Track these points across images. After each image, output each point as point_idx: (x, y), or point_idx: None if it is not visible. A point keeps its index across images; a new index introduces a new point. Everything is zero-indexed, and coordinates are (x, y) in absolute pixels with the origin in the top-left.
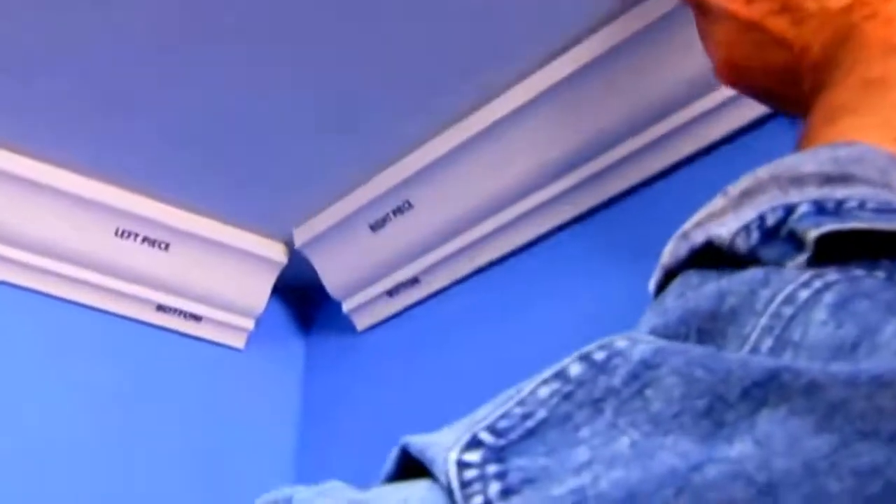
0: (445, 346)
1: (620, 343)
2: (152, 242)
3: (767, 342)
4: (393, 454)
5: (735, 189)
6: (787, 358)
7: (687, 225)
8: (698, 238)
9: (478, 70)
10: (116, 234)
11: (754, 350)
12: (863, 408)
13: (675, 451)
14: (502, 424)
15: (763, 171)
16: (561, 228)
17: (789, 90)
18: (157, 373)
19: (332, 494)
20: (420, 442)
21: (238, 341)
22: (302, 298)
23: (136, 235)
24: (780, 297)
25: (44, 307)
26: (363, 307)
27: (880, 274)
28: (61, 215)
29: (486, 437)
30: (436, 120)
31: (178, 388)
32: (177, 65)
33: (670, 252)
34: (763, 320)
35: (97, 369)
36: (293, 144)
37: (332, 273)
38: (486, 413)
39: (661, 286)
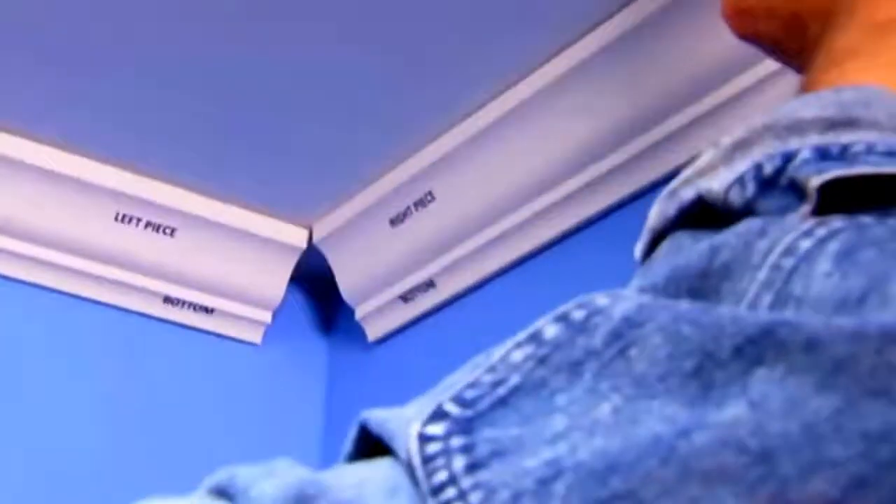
0: (465, 355)
1: (601, 300)
2: (157, 228)
3: (766, 298)
4: (351, 432)
5: (727, 140)
6: (788, 314)
7: (675, 183)
8: (687, 195)
9: (502, 52)
10: (117, 219)
11: (752, 307)
12: (872, 364)
13: (660, 417)
14: (470, 394)
15: (758, 120)
16: (595, 220)
17: (795, 40)
18: (165, 371)
19: (280, 474)
20: (380, 417)
21: (254, 336)
22: (323, 288)
23: (139, 220)
24: (779, 248)
25: (38, 299)
26: (376, 314)
27: (892, 222)
28: (54, 199)
29: (451, 408)
30: (461, 106)
31: (188, 387)
32: (185, 34)
33: (657, 213)
34: (761, 274)
35: (99, 367)
36: (314, 125)
37: (347, 273)
38: (453, 382)
39: (649, 251)
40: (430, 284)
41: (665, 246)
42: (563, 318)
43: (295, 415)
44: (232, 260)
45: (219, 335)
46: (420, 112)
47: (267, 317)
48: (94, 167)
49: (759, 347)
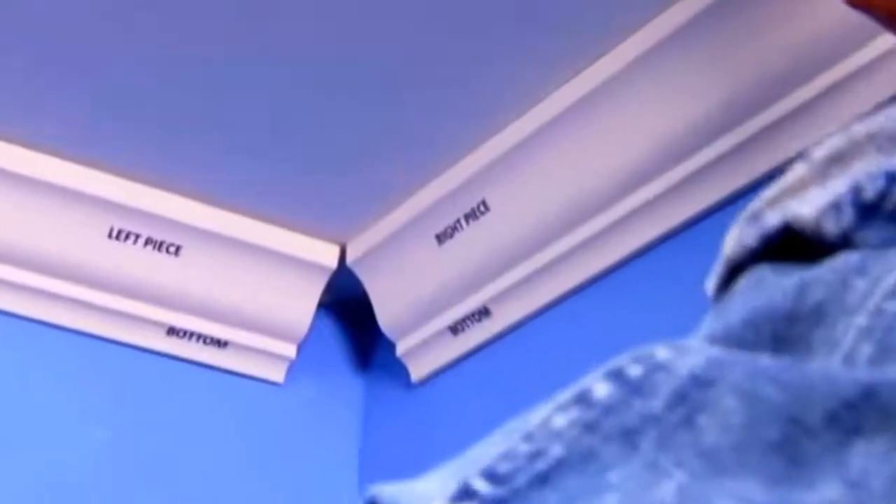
0: (527, 401)
1: (662, 353)
2: (158, 245)
3: (866, 350)
4: None
5: (820, 152)
6: (893, 371)
7: (757, 203)
8: (772, 220)
9: (565, 34)
10: (111, 235)
11: (848, 360)
12: None
13: (735, 498)
14: (503, 467)
15: (858, 128)
16: (680, 231)
17: None
18: (171, 415)
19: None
20: (393, 493)
21: (276, 373)
22: (357, 318)
23: (137, 237)
24: (881, 289)
25: (13, 329)
26: (420, 349)
27: None
28: (38, 211)
29: (480, 485)
30: (518, 99)
31: (197, 436)
32: (194, 24)
33: (735, 240)
34: (859, 319)
35: (89, 412)
36: (345, 126)
37: (385, 300)
38: (483, 452)
39: (724, 286)
40: (484, 312)
41: (744, 281)
42: (616, 376)
43: (323, 469)
44: (248, 284)
45: (233, 373)
46: (471, 109)
47: (291, 351)
48: (83, 173)
49: (857, 413)
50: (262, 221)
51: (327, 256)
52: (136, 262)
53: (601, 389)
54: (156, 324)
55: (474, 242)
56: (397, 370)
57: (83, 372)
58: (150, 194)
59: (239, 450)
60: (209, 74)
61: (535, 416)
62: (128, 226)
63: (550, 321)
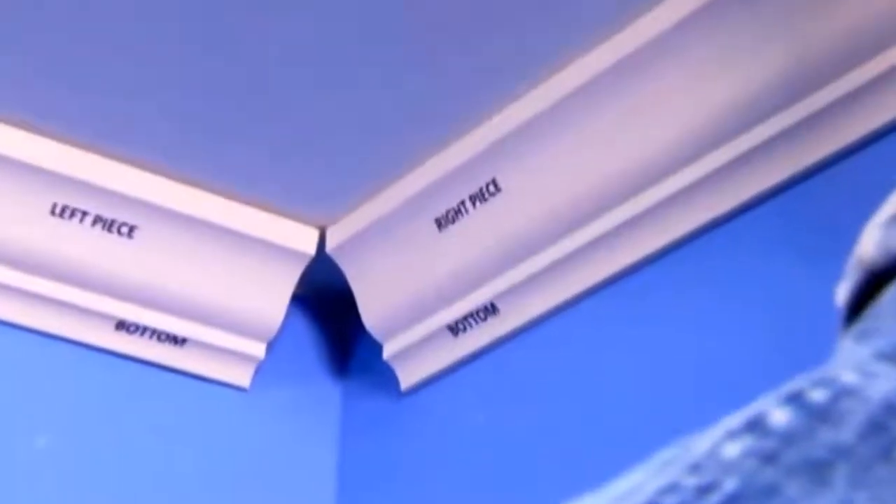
0: (536, 414)
1: (848, 377)
2: (108, 225)
3: None
4: None
5: None
6: None
7: None
8: None
9: None
10: (53, 212)
11: None
12: None
13: None
14: (669, 502)
15: None
16: (723, 223)
17: None
18: (118, 424)
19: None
20: None
21: (241, 377)
22: (337, 314)
23: (84, 214)
24: None
25: None
26: (412, 352)
27: None
28: None
29: None
30: (536, 65)
31: (149, 448)
32: None
33: (878, 244)
34: None
35: (26, 418)
36: (327, 93)
37: (371, 294)
38: (638, 485)
39: (863, 297)
40: (490, 310)
41: (892, 294)
42: (797, 401)
43: (294, 493)
44: (211, 272)
45: (192, 375)
46: (480, 74)
47: (259, 350)
48: (20, 138)
49: None
50: (229, 199)
51: (303, 242)
52: (81, 243)
53: (779, 416)
54: (103, 316)
55: (481, 228)
56: (383, 376)
57: (17, 371)
58: (99, 165)
59: (197, 466)
60: (173, 29)
61: (698, 445)
62: (73, 201)
63: (568, 321)
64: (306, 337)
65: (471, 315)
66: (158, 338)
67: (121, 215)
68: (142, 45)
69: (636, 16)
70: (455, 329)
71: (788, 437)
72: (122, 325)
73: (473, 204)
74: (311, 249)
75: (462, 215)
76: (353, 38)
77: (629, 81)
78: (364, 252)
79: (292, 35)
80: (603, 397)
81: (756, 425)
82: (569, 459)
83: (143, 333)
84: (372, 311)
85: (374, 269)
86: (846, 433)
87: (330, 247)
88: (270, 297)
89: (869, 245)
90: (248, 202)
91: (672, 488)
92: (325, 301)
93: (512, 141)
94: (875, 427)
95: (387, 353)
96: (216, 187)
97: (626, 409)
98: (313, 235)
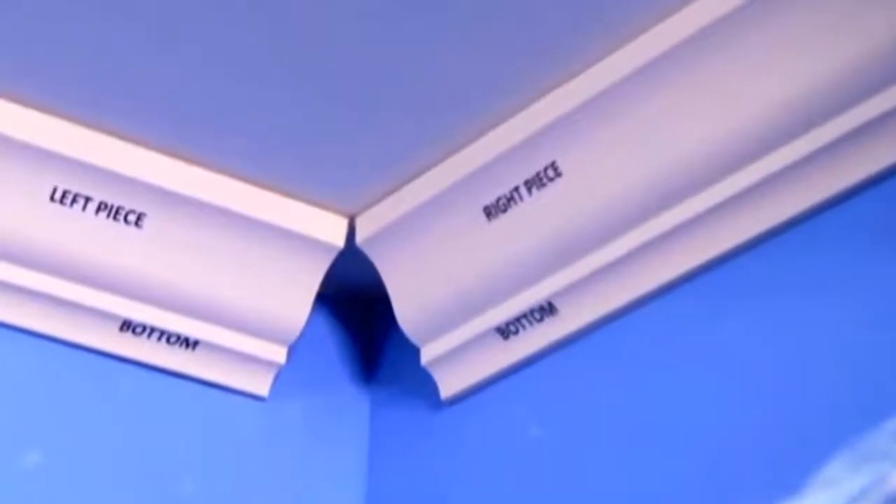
0: (596, 428)
1: None
2: (114, 212)
3: None
4: None
5: None
6: None
7: None
8: None
9: None
10: (53, 197)
11: None
12: None
13: None
14: None
15: None
16: (819, 212)
17: None
18: (121, 435)
19: None
20: None
21: (259, 385)
22: (367, 314)
23: (88, 200)
24: None
25: None
26: (454, 356)
27: None
28: None
29: None
30: (604, 35)
31: (156, 462)
32: None
33: None
34: None
35: (19, 429)
36: (359, 68)
37: (407, 291)
38: None
39: None
40: (547, 309)
41: None
42: None
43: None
44: (226, 265)
45: (203, 382)
46: (539, 44)
47: (280, 355)
48: (19, 116)
49: None
50: (246, 184)
51: (331, 232)
52: (86, 233)
53: None
54: (107, 316)
55: (538, 218)
56: (419, 383)
57: (9, 376)
58: (105, 145)
59: (208, 484)
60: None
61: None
62: (76, 186)
63: (634, 324)
64: (331, 340)
65: (524, 316)
66: (167, 340)
67: (128, 202)
68: (158, 15)
69: None
70: (505, 331)
71: None
72: (127, 325)
73: (529, 190)
74: (340, 242)
75: (516, 202)
76: (391, 4)
77: (703, 58)
78: (399, 244)
79: (323, 6)
80: (673, 408)
81: None
82: (633, 479)
83: (150, 335)
84: (407, 310)
85: (411, 264)
86: None
87: (360, 238)
88: (293, 295)
89: None
90: (266, 186)
91: None
92: (353, 300)
93: (574, 119)
94: None
95: (424, 358)
96: (232, 170)
97: (699, 422)
98: (341, 226)
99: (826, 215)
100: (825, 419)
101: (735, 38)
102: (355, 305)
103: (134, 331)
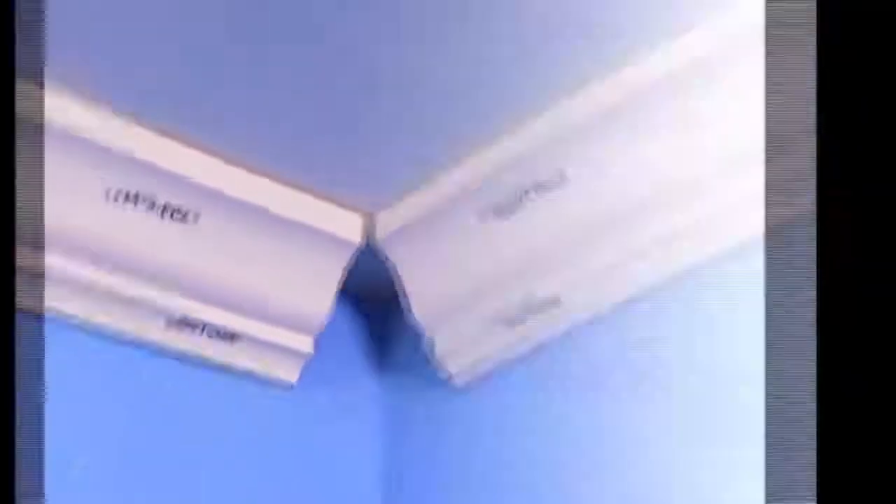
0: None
1: None
2: (168, 211)
3: None
4: None
5: None
6: None
7: None
8: None
9: None
10: (108, 196)
11: None
12: None
13: None
14: None
15: None
16: None
17: None
18: (161, 422)
19: None
20: None
21: (289, 373)
22: (384, 306)
23: (136, 198)
24: None
25: None
26: (464, 346)
27: None
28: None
29: None
30: (622, 45)
31: (197, 443)
32: None
33: None
34: None
35: (75, 420)
36: (382, 61)
37: (422, 284)
38: None
39: None
40: (550, 302)
41: None
42: None
43: (341, 487)
44: (262, 261)
45: (240, 373)
46: (554, 54)
47: (308, 345)
48: (75, 117)
49: None
50: (273, 181)
51: (350, 230)
52: (137, 230)
53: None
54: (157, 311)
55: (545, 218)
56: (432, 373)
57: (63, 368)
58: (160, 146)
59: (241, 464)
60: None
61: None
62: (129, 185)
63: (639, 313)
64: (349, 330)
65: (530, 306)
66: (208, 334)
67: (182, 201)
68: (208, 26)
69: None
70: (512, 321)
71: None
72: (173, 322)
73: (538, 194)
74: (357, 238)
75: (523, 204)
76: (420, 20)
77: (718, 70)
78: (415, 242)
79: (354, 21)
80: (678, 391)
81: None
82: (642, 462)
83: (194, 331)
84: (422, 302)
85: (426, 259)
86: None
87: (379, 236)
88: (318, 288)
89: None
90: (291, 184)
91: None
92: (369, 292)
93: (581, 130)
94: None
95: (438, 347)
96: (270, 172)
97: (707, 405)
98: (358, 224)
99: None
100: None
101: (733, 65)
102: (374, 301)
103: (178, 327)
